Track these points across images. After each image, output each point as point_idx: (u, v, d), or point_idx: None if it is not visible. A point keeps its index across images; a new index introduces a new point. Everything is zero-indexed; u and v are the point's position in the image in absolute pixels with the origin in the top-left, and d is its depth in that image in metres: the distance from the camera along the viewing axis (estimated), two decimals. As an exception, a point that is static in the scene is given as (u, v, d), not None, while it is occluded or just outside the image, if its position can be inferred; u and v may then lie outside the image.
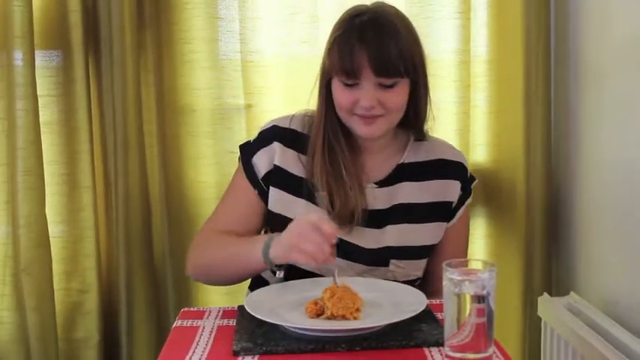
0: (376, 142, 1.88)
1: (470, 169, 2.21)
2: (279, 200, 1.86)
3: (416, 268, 1.90)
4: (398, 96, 1.79)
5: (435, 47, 2.28)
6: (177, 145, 2.29)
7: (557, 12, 2.22)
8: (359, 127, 1.81)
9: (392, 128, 1.87)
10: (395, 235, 1.86)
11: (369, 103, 1.76)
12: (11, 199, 2.15)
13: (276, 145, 1.87)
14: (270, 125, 1.91)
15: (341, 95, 1.80)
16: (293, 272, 1.76)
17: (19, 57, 2.08)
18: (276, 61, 2.25)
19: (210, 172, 2.26)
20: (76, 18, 2.15)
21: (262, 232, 1.94)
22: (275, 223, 1.84)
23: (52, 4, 2.17)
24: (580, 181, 2.13)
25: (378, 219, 1.86)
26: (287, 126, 1.90)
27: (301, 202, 1.85)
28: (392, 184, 1.89)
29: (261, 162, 1.87)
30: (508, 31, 2.23)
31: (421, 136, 1.94)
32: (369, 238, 1.85)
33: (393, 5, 1.86)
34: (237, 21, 2.25)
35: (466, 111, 2.30)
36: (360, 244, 1.84)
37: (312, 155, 1.85)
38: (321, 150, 1.84)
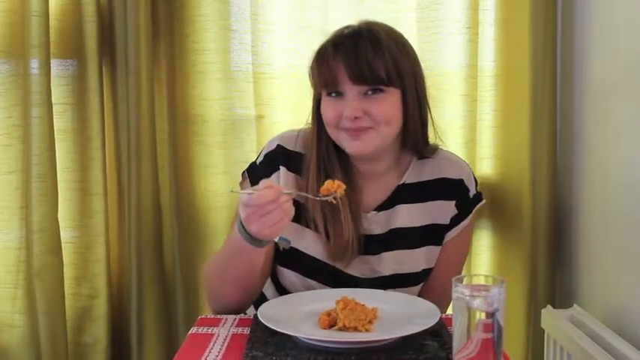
0: (375, 165, 1.82)
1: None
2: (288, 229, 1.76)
3: (411, 293, 1.83)
4: (384, 106, 1.72)
5: (443, 62, 2.29)
6: (189, 154, 2.30)
7: (563, 28, 2.23)
8: (347, 143, 1.74)
9: (388, 147, 1.79)
10: (390, 263, 1.81)
11: (352, 112, 1.69)
12: (25, 205, 2.16)
13: (282, 170, 1.82)
14: (275, 145, 1.85)
15: (327, 109, 1.76)
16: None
17: (35, 65, 2.10)
18: (287, 73, 2.26)
19: (220, 181, 2.27)
20: (91, 28, 2.17)
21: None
22: (285, 253, 1.79)
23: (68, 14, 2.18)
24: (585, 196, 2.13)
25: (373, 245, 1.81)
26: (293, 148, 1.84)
27: (309, 233, 1.80)
28: (390, 207, 1.84)
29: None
30: (515, 46, 2.24)
31: (421, 154, 1.87)
32: (364, 267, 1.81)
33: (387, 24, 1.82)
34: (249, 33, 2.27)
35: (473, 124, 2.31)
36: (355, 274, 1.80)
37: (307, 178, 1.79)
38: (315, 173, 1.78)
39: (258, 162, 1.88)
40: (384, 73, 1.70)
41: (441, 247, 1.88)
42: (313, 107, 1.83)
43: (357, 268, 1.80)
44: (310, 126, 1.85)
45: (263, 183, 1.54)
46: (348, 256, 1.77)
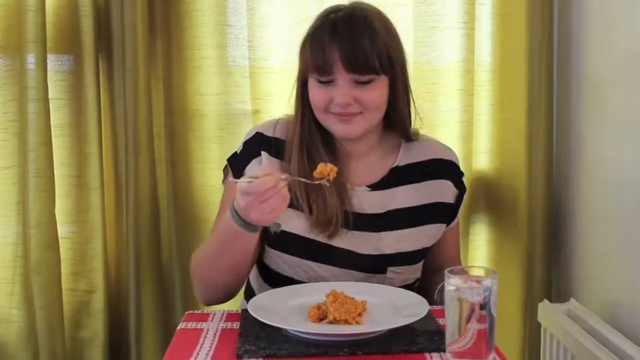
0: (360, 145, 1.81)
1: (472, 176, 2.23)
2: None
3: (413, 271, 1.85)
4: (375, 93, 1.72)
5: (439, 56, 2.27)
6: (186, 149, 2.28)
7: (560, 22, 2.21)
8: (335, 126, 1.75)
9: (372, 128, 1.79)
10: (392, 241, 1.80)
11: (343, 99, 1.69)
12: (22, 200, 2.15)
13: (263, 155, 1.81)
14: (254, 133, 1.85)
15: (316, 93, 1.74)
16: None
17: (31, 61, 2.08)
18: (284, 67, 2.23)
19: (217, 175, 2.22)
20: (87, 23, 2.15)
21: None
22: (277, 238, 1.77)
23: (64, 9, 2.17)
24: (581, 190, 2.11)
25: (373, 223, 1.79)
26: (271, 134, 1.83)
27: (293, 212, 1.76)
28: (386, 188, 1.83)
29: (254, 173, 1.77)
30: (512, 41, 2.22)
31: (408, 137, 1.87)
32: (364, 244, 1.78)
33: (374, 5, 1.79)
34: (245, 28, 2.25)
35: (470, 119, 2.29)
36: (355, 250, 1.78)
37: (289, 160, 1.78)
38: (298, 154, 1.77)
39: (238, 152, 1.86)
40: (377, 62, 1.69)
41: (447, 225, 1.89)
42: (297, 88, 1.81)
43: (355, 243, 1.78)
44: (287, 115, 1.85)
45: (261, 171, 1.54)
46: (333, 227, 1.74)
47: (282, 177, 1.53)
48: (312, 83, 1.75)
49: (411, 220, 1.82)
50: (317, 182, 1.62)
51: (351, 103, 1.70)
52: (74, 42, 2.17)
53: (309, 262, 1.77)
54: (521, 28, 2.17)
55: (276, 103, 2.25)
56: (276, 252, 1.81)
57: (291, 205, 1.71)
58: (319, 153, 1.77)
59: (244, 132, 2.21)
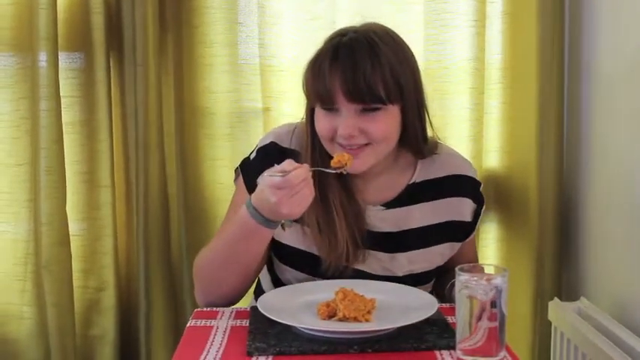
0: (374, 167, 1.71)
1: (482, 174, 2.22)
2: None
3: (423, 290, 1.78)
4: (382, 124, 1.62)
5: (450, 55, 2.25)
6: (196, 146, 2.28)
7: (571, 22, 2.20)
8: None
9: (382, 158, 1.70)
10: (404, 263, 1.76)
11: (346, 131, 1.60)
12: (33, 197, 2.15)
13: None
14: (269, 141, 1.78)
15: (321, 123, 1.66)
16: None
17: (43, 59, 2.08)
18: (294, 65, 2.21)
19: (227, 173, 2.23)
20: (98, 20, 2.14)
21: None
22: (279, 249, 1.77)
23: (75, 7, 2.16)
24: (591, 188, 2.10)
25: (386, 243, 1.75)
26: (287, 145, 1.76)
27: (303, 229, 1.73)
28: (402, 206, 1.77)
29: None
30: (522, 39, 2.20)
31: (423, 155, 1.78)
32: (376, 264, 1.75)
33: (385, 26, 1.71)
34: (256, 26, 2.23)
35: (480, 117, 2.27)
36: (367, 270, 1.74)
37: None
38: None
39: (251, 157, 1.82)
40: (382, 90, 1.60)
41: (461, 243, 1.84)
42: (306, 113, 1.75)
43: (366, 264, 1.75)
44: (304, 121, 1.78)
45: (289, 164, 1.51)
46: (345, 259, 1.71)
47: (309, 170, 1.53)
48: (317, 111, 1.68)
49: (425, 241, 1.78)
50: (337, 171, 1.61)
51: (356, 135, 1.62)
52: (85, 39, 2.16)
53: (318, 280, 1.73)
54: (532, 26, 2.15)
55: (287, 101, 2.23)
56: (287, 267, 1.79)
57: (302, 221, 1.71)
58: (330, 181, 1.70)
59: (255, 130, 2.26)
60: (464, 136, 2.26)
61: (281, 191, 1.49)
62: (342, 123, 1.62)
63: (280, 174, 1.50)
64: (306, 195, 1.51)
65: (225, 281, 1.71)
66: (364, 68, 1.59)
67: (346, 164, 1.59)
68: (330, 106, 1.64)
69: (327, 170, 1.63)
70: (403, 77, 1.64)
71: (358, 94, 1.59)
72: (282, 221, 1.60)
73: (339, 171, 1.61)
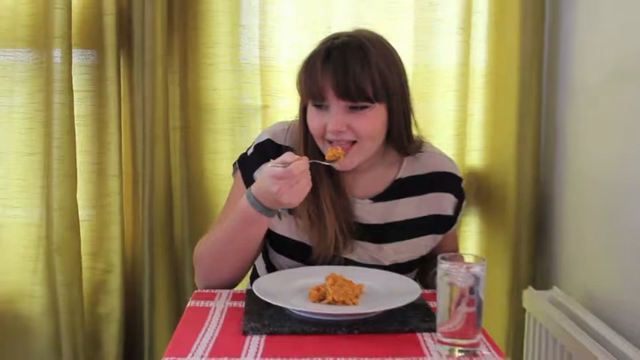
0: (362, 162, 1.71)
1: (464, 171, 2.22)
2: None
3: None
4: (368, 121, 1.63)
5: (437, 60, 2.26)
6: (199, 140, 2.27)
7: (550, 33, 2.20)
8: None
9: (369, 156, 1.71)
10: (390, 253, 1.76)
11: (335, 126, 1.61)
12: (46, 185, 2.14)
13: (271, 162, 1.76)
14: (265, 138, 1.79)
15: (312, 119, 1.67)
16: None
17: (57, 55, 2.07)
18: (292, 66, 2.21)
19: (227, 165, 2.23)
20: (110, 20, 2.13)
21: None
22: (273, 238, 1.78)
23: (88, 7, 2.16)
24: (565, 186, 2.10)
25: (373, 234, 1.76)
26: (282, 142, 1.77)
27: (295, 221, 1.74)
28: (388, 200, 1.78)
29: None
30: (505, 48, 2.21)
31: (406, 152, 1.78)
32: (364, 254, 1.75)
33: (375, 32, 1.72)
34: (257, 29, 2.23)
35: (464, 119, 2.27)
36: (355, 259, 1.75)
37: None
38: None
39: (248, 153, 1.82)
40: (370, 90, 1.61)
41: (443, 235, 1.85)
42: (300, 111, 1.75)
43: (355, 253, 1.75)
44: (298, 118, 1.78)
45: (289, 156, 1.53)
46: (334, 248, 1.71)
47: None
48: (309, 109, 1.69)
49: (410, 232, 1.78)
50: (331, 164, 1.62)
51: (344, 130, 1.63)
52: (97, 38, 2.16)
53: (310, 268, 1.73)
54: (514, 35, 2.16)
55: (284, 99, 2.23)
56: (280, 256, 1.80)
57: (295, 213, 1.72)
58: (321, 176, 1.71)
59: (254, 125, 2.25)
60: (449, 136, 2.26)
61: (282, 181, 1.50)
62: (332, 119, 1.63)
63: (282, 165, 1.51)
64: (304, 186, 1.53)
65: (224, 267, 1.72)
66: (354, 68, 1.60)
67: (340, 157, 1.61)
68: (320, 103, 1.65)
69: (324, 162, 1.64)
70: (390, 79, 1.65)
71: (347, 91, 1.60)
72: (279, 210, 1.61)
73: (334, 164, 1.62)
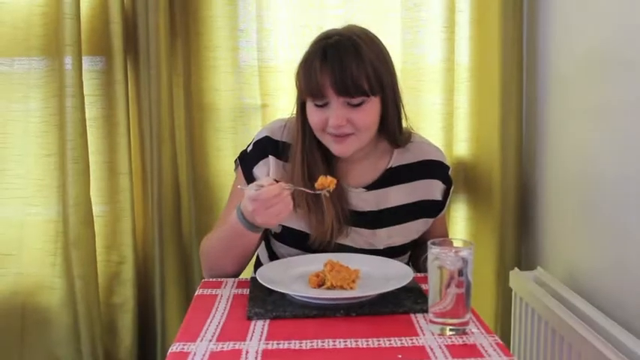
0: (355, 153, 1.72)
1: (452, 161, 2.22)
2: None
3: (401, 260, 1.80)
4: (366, 115, 1.64)
5: (424, 57, 2.26)
6: (203, 138, 2.27)
7: (529, 28, 2.20)
8: (332, 146, 1.68)
9: (365, 145, 1.71)
10: (384, 237, 1.76)
11: (337, 121, 1.62)
12: (62, 183, 2.13)
13: (271, 159, 1.77)
14: (263, 136, 1.79)
15: (313, 116, 1.67)
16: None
17: (68, 62, 2.07)
18: (288, 66, 2.20)
19: (230, 162, 2.19)
20: (117, 28, 2.13)
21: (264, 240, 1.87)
22: (281, 231, 1.78)
23: (96, 16, 2.15)
24: (546, 173, 2.10)
25: (368, 220, 1.76)
26: (279, 138, 1.77)
27: (298, 212, 1.72)
28: (381, 188, 1.78)
29: (262, 174, 1.76)
30: (487, 44, 2.20)
31: (397, 144, 1.78)
32: (359, 239, 1.75)
33: (363, 27, 1.72)
34: (254, 32, 2.23)
35: (450, 112, 2.27)
36: (351, 245, 1.75)
37: (293, 168, 1.73)
38: (300, 169, 1.71)
39: (248, 150, 1.83)
40: (366, 85, 1.61)
41: (434, 218, 1.85)
42: (297, 107, 1.75)
43: (351, 238, 1.75)
44: (294, 115, 1.78)
45: (266, 180, 1.54)
46: (330, 234, 1.71)
47: (287, 187, 1.53)
48: (309, 106, 1.68)
49: (402, 217, 1.78)
50: (318, 192, 1.61)
51: (344, 125, 1.63)
52: (105, 45, 2.15)
53: (309, 254, 1.73)
54: (495, 32, 2.16)
55: (282, 98, 2.23)
56: (281, 244, 1.80)
57: (294, 203, 1.70)
58: (318, 166, 1.72)
59: (254, 123, 2.25)
60: (436, 128, 2.26)
61: (255, 202, 1.52)
62: (333, 115, 1.63)
63: (256, 187, 1.52)
64: (279, 209, 1.53)
65: (225, 264, 1.73)
66: (350, 66, 1.60)
67: (329, 187, 1.59)
68: (321, 101, 1.64)
69: (309, 191, 1.64)
70: (383, 73, 1.65)
71: (346, 88, 1.60)
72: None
73: (322, 192, 1.61)
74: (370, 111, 1.65)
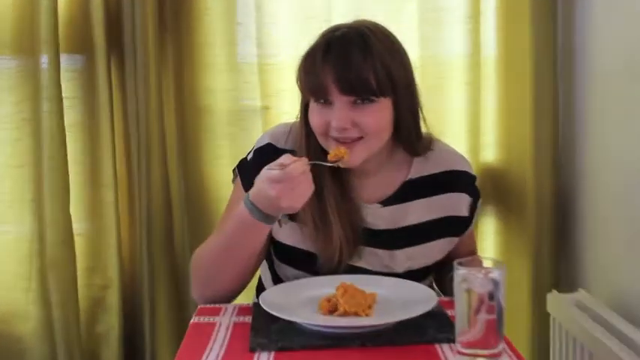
0: (368, 163, 1.69)
1: (479, 169, 2.22)
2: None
3: None
4: (374, 116, 1.61)
5: (445, 51, 2.26)
6: (197, 145, 2.28)
7: (564, 16, 2.19)
8: None
9: (376, 153, 1.68)
10: (403, 259, 1.74)
11: (339, 123, 1.59)
12: (37, 198, 2.14)
13: None
14: (266, 142, 1.77)
15: (315, 117, 1.65)
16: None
17: (44, 61, 2.08)
18: (292, 64, 2.16)
19: (227, 171, 2.19)
20: (99, 22, 2.14)
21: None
22: (278, 248, 1.77)
23: (76, 10, 2.16)
24: (588, 180, 2.10)
25: (384, 240, 1.74)
26: (283, 146, 1.74)
27: (301, 228, 1.72)
28: (399, 203, 1.76)
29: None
30: (516, 34, 2.21)
31: (416, 153, 1.76)
32: (375, 262, 1.74)
33: (377, 22, 1.69)
34: (254, 25, 2.23)
35: (476, 112, 2.28)
36: (366, 267, 1.73)
37: None
38: None
39: (248, 158, 1.81)
40: (374, 83, 1.59)
41: (459, 237, 1.83)
42: (301, 109, 1.74)
43: (366, 260, 1.74)
44: (300, 119, 1.77)
45: (286, 158, 1.52)
46: (339, 255, 1.69)
47: (307, 163, 1.53)
48: (311, 106, 1.67)
49: (423, 237, 1.76)
50: (334, 164, 1.61)
51: (349, 128, 1.61)
52: (86, 41, 2.16)
53: (319, 278, 1.71)
54: (525, 21, 2.16)
55: (286, 99, 2.23)
56: (286, 266, 1.78)
57: (298, 220, 1.71)
58: (325, 179, 1.69)
59: (254, 128, 2.26)
60: (460, 132, 2.27)
61: (280, 184, 1.49)
62: (335, 115, 1.61)
63: (279, 168, 1.50)
64: (305, 189, 1.51)
65: (222, 277, 1.69)
66: (356, 61, 1.58)
67: (343, 157, 1.59)
68: (323, 100, 1.63)
69: (325, 163, 1.62)
70: (395, 71, 1.63)
71: (350, 86, 1.59)
72: (280, 217, 1.60)
73: (336, 164, 1.61)
74: (379, 113, 1.63)
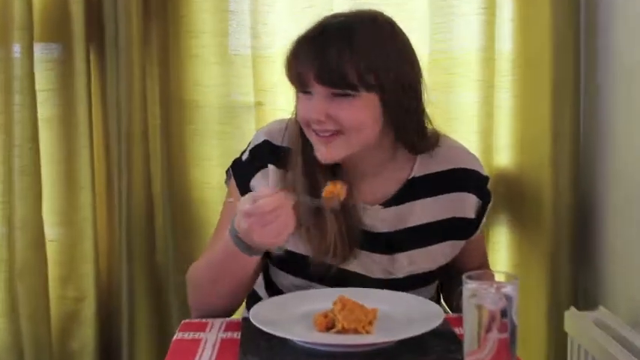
0: (367, 161, 1.72)
1: (493, 173, 2.21)
2: None
3: (427, 292, 1.81)
4: (352, 110, 1.61)
5: (457, 44, 2.26)
6: (182, 143, 2.28)
7: (587, 6, 2.20)
8: (317, 147, 1.66)
9: (365, 150, 1.68)
10: (404, 263, 1.75)
11: (315, 115, 1.61)
12: (7, 200, 2.15)
13: (271, 169, 1.75)
14: (262, 140, 1.78)
15: (298, 107, 1.69)
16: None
17: (17, 50, 2.08)
18: (289, 57, 2.22)
19: (217, 173, 2.23)
20: (77, 9, 2.14)
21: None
22: (275, 256, 1.77)
23: (52, -5, 2.16)
24: (611, 186, 2.10)
25: (384, 243, 1.75)
26: (280, 143, 1.76)
27: (298, 232, 1.70)
28: (401, 203, 1.77)
29: (260, 186, 1.74)
30: (535, 27, 2.21)
31: (418, 151, 1.76)
32: (374, 266, 1.75)
33: (379, 11, 1.70)
34: (247, 14, 2.24)
35: (489, 112, 2.27)
36: (366, 274, 1.74)
37: (294, 177, 1.72)
38: (302, 172, 1.71)
39: (243, 158, 1.82)
40: (355, 76, 1.59)
41: (465, 241, 1.83)
42: (295, 105, 1.75)
43: (366, 266, 1.75)
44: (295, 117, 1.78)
45: (264, 190, 1.53)
46: (333, 257, 1.70)
47: (290, 198, 1.52)
48: (297, 97, 1.70)
49: (425, 239, 1.77)
50: (318, 205, 1.61)
51: (323, 120, 1.62)
52: (63, 29, 2.16)
53: (318, 285, 1.73)
54: (545, 12, 2.16)
55: (281, 94, 2.21)
56: (283, 273, 1.79)
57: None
58: (323, 176, 1.69)
59: (247, 126, 2.26)
60: (472, 132, 2.27)
61: (250, 218, 1.49)
62: (311, 106, 1.63)
63: (251, 201, 1.50)
64: (282, 224, 1.50)
65: (215, 299, 1.73)
66: (335, 52, 1.59)
67: (339, 194, 1.59)
68: (304, 89, 1.65)
69: (318, 204, 1.63)
70: (384, 66, 1.63)
71: (327, 76, 1.59)
72: (275, 249, 1.61)
73: (330, 206, 1.61)
74: (359, 109, 1.62)
